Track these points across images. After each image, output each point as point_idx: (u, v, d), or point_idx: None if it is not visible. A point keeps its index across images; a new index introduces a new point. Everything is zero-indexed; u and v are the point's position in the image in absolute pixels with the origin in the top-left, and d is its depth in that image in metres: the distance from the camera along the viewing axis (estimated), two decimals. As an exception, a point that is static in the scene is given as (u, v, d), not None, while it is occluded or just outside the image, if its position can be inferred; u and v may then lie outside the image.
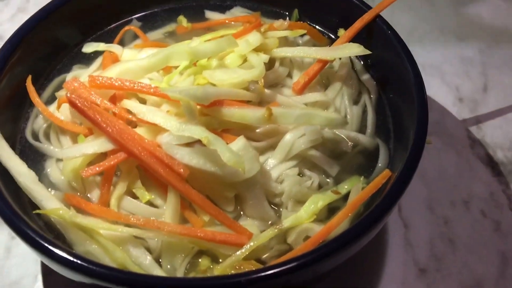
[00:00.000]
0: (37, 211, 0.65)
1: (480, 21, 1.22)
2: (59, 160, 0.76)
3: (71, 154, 0.69)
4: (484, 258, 0.84)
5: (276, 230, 0.66)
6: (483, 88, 1.08)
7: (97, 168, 0.68)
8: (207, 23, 0.95)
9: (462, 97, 1.06)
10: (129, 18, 0.96)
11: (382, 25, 0.81)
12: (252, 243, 0.64)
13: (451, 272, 0.82)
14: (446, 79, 1.09)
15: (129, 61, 0.78)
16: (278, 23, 0.87)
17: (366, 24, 0.83)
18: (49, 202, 0.67)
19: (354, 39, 0.83)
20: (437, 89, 1.07)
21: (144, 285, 0.55)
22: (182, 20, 0.95)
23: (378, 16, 0.83)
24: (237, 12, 0.98)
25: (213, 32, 0.88)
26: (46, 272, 0.81)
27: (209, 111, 0.71)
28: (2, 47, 0.78)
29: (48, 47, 0.87)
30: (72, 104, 0.69)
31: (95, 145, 0.70)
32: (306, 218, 0.67)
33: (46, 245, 0.58)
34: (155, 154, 0.67)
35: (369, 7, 0.85)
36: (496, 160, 0.96)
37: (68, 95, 0.69)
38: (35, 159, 0.77)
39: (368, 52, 0.78)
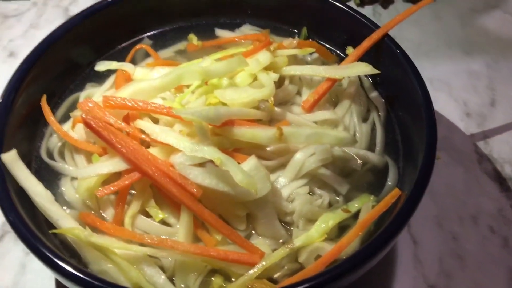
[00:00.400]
0: (53, 230, 0.66)
1: (487, 35, 1.23)
2: (73, 178, 0.78)
3: (86, 174, 0.71)
4: (492, 275, 0.84)
5: (287, 249, 0.67)
6: (490, 102, 1.09)
7: (112, 188, 0.70)
8: (217, 41, 0.97)
9: (469, 112, 1.07)
10: (141, 36, 0.98)
11: (390, 44, 0.83)
12: (264, 262, 0.65)
13: (460, 289, 0.83)
14: (454, 93, 1.10)
15: (142, 81, 0.80)
16: (287, 41, 0.89)
17: (375, 43, 0.84)
18: (65, 221, 0.68)
19: (363, 57, 0.85)
20: (444, 104, 1.08)
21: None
22: (193, 38, 0.96)
23: (386, 35, 0.84)
24: (247, 29, 0.99)
25: (224, 50, 0.90)
26: (60, 288, 0.83)
27: (221, 131, 0.73)
28: (19, 67, 0.79)
29: (61, 66, 0.89)
30: (87, 125, 0.70)
31: (110, 165, 0.71)
32: (317, 237, 0.68)
33: (62, 264, 0.60)
34: (169, 174, 0.69)
35: (377, 26, 0.86)
36: (504, 175, 0.97)
37: (83, 115, 0.70)
38: (50, 177, 0.78)
39: (377, 71, 0.80)
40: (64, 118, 0.86)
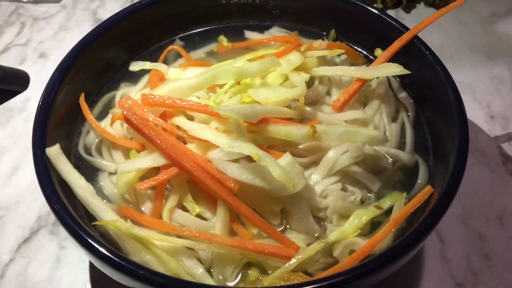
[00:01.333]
0: (96, 222, 0.69)
1: (509, 38, 1.25)
2: (111, 174, 0.80)
3: (126, 169, 0.73)
4: (520, 273, 0.85)
5: (322, 244, 0.68)
6: (513, 106, 1.10)
7: (151, 182, 0.72)
8: (247, 43, 0.99)
9: (493, 115, 1.08)
10: (172, 38, 1.00)
11: (420, 46, 0.84)
12: (300, 256, 0.67)
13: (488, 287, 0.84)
14: (477, 96, 1.12)
15: (177, 80, 0.82)
16: (317, 43, 0.91)
17: (404, 44, 0.86)
18: (106, 214, 0.70)
19: (391, 59, 0.86)
20: (468, 107, 1.05)
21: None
22: (223, 39, 0.99)
23: (416, 37, 0.86)
24: (275, 32, 1.01)
25: (254, 51, 0.92)
26: (95, 281, 0.84)
27: (256, 128, 0.75)
28: (57, 67, 0.82)
29: (97, 67, 0.91)
30: (128, 121, 0.72)
31: (149, 160, 0.73)
32: (351, 233, 0.69)
33: (105, 252, 0.62)
34: (206, 169, 0.71)
35: (406, 28, 0.88)
36: (528, 176, 0.98)
37: (124, 112, 0.72)
38: (87, 173, 0.81)
39: (407, 72, 0.81)
40: (101, 116, 0.89)
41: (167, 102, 0.76)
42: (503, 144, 1.03)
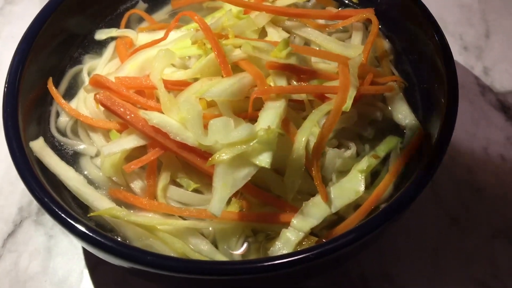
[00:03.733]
0: (92, 213, 0.65)
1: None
2: (92, 157, 0.76)
3: (111, 151, 0.69)
4: (508, 202, 0.87)
5: (329, 210, 0.67)
6: (485, 34, 1.10)
7: (140, 163, 0.68)
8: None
9: (466, 45, 1.08)
10: (135, 0, 0.93)
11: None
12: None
13: (482, 220, 0.86)
14: (449, 28, 1.11)
15: (150, 49, 0.77)
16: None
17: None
18: (102, 202, 0.67)
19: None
20: None
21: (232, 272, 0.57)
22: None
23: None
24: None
25: (219, 9, 0.87)
26: (92, 266, 0.82)
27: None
28: (17, 49, 0.75)
29: (58, 40, 0.84)
30: (104, 106, 0.68)
31: (134, 139, 0.69)
32: (354, 193, 0.68)
33: (106, 242, 0.59)
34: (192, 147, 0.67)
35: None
36: (507, 104, 0.99)
37: (98, 96, 0.68)
38: (66, 160, 0.75)
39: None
40: (68, 94, 0.83)
41: (145, 83, 0.72)
42: (479, 75, 1.04)
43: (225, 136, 0.62)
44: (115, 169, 0.71)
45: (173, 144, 0.67)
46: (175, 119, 0.67)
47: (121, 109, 0.68)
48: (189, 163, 0.71)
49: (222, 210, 0.59)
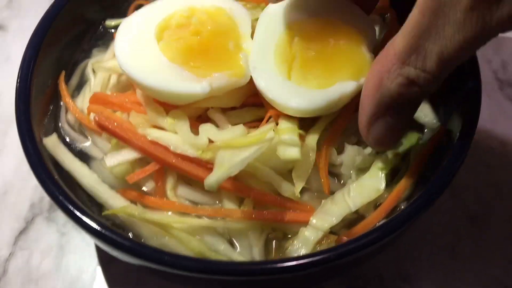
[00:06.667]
0: (106, 212, 0.64)
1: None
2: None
3: (113, 163, 0.67)
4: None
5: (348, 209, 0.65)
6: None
7: (142, 174, 0.68)
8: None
9: (484, 39, 1.06)
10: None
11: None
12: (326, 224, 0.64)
13: (501, 217, 0.84)
14: (466, 21, 1.08)
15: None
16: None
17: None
18: (116, 201, 0.66)
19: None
20: None
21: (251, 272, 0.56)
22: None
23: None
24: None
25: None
26: (105, 264, 0.81)
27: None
28: (30, 43, 0.73)
29: (70, 34, 0.82)
30: (102, 128, 0.68)
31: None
32: (375, 192, 0.66)
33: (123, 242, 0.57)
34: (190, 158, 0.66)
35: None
36: (526, 99, 0.97)
37: (96, 118, 0.68)
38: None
39: None
40: (79, 88, 0.82)
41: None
42: (497, 68, 1.02)
43: (216, 133, 0.65)
44: (122, 177, 0.69)
45: (173, 157, 0.66)
46: (165, 126, 0.67)
47: (120, 131, 0.67)
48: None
49: (216, 186, 0.60)
